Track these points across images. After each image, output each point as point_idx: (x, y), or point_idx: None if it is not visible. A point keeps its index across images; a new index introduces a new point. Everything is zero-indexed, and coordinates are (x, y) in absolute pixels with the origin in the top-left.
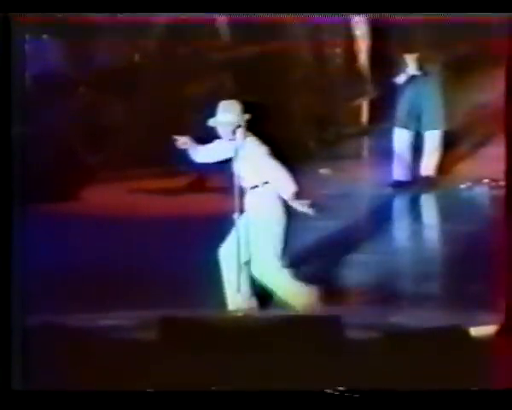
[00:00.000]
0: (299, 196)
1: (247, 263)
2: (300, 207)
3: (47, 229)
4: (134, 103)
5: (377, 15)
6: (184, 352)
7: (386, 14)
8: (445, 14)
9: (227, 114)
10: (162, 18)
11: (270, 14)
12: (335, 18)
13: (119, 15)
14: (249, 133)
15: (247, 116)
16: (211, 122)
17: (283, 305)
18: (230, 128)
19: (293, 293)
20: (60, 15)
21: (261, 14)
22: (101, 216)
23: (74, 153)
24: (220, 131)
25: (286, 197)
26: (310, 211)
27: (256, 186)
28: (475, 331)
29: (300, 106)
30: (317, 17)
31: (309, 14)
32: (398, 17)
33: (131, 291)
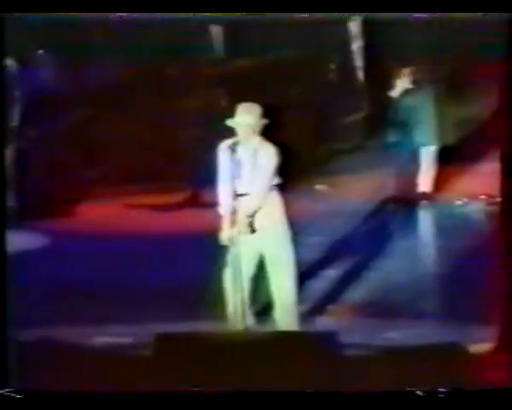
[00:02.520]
0: (252, 218)
1: (253, 277)
2: (244, 225)
3: (42, 245)
4: (129, 120)
5: (375, 15)
6: (180, 368)
7: (384, 14)
8: (444, 13)
9: (247, 116)
10: (157, 33)
11: (267, 14)
12: (330, 35)
13: (116, 16)
14: (264, 138)
15: (265, 120)
16: (229, 122)
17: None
18: (249, 130)
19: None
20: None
21: (257, 14)
22: (97, 232)
23: (69, 169)
24: (239, 132)
25: (246, 210)
26: (245, 232)
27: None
28: (472, 348)
29: (295, 122)
30: (313, 20)
31: (306, 14)
32: (394, 30)
33: (127, 307)
